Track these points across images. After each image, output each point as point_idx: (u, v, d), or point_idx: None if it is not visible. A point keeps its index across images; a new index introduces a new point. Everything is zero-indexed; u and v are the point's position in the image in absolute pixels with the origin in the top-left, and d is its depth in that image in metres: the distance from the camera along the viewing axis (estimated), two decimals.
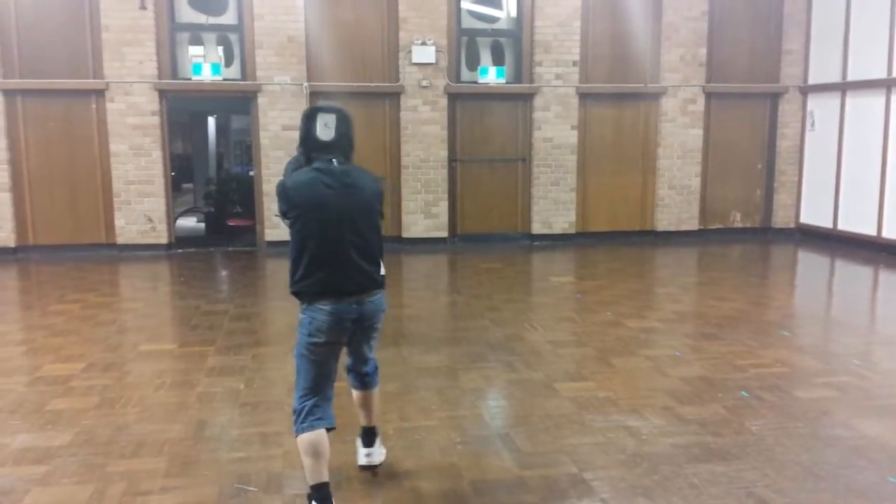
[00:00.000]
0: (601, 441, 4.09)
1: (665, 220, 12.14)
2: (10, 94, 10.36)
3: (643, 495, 3.45)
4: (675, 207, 12.15)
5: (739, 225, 12.52)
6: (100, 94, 10.47)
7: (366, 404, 3.72)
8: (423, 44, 11.12)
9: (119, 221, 10.73)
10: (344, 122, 3.38)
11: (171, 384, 5.10)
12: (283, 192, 3.34)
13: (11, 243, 10.44)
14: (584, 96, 11.71)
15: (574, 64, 11.59)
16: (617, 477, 3.65)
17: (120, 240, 10.75)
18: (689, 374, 5.29)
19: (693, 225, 12.22)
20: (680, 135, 12.02)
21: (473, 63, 11.70)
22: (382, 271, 3.40)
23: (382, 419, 4.35)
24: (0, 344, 6.18)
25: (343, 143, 3.37)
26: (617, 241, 11.78)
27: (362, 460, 3.77)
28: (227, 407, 4.69)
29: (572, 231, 11.89)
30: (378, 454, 3.77)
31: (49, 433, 4.23)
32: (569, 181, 11.80)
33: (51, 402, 4.73)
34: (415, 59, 11.14)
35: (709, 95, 12.02)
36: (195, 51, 10.95)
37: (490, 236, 11.79)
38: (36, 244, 10.60)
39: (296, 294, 3.34)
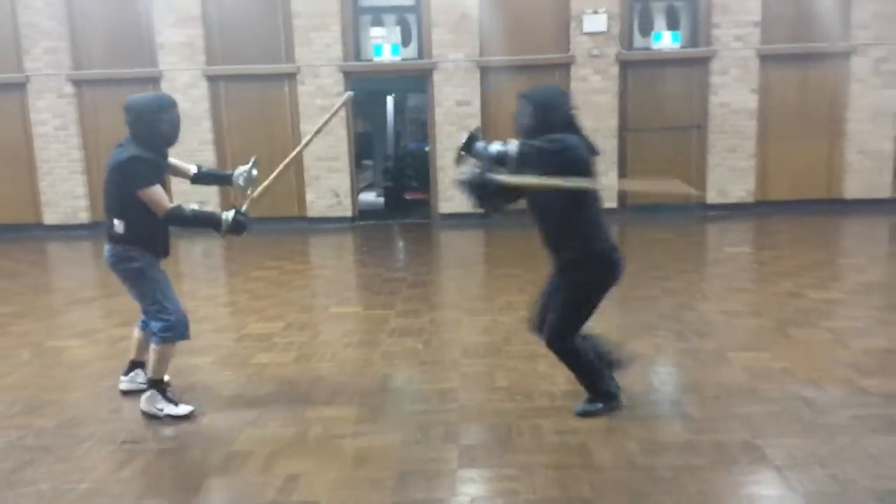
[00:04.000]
0: (775, 410, 4.04)
1: (854, 188, 11.36)
2: (213, 79, 11.43)
3: (818, 464, 3.41)
4: (866, 174, 11.33)
5: None
6: (291, 77, 11.29)
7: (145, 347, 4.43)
8: (595, 12, 11.03)
9: (309, 196, 11.58)
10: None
11: (358, 343, 5.57)
12: None
13: None
14: (764, 58, 11.16)
15: (755, 24, 11.04)
16: (791, 445, 3.62)
17: (310, 213, 11.61)
18: (873, 346, 5.05)
19: (885, 192, 11.34)
20: (871, 96, 11.15)
21: (646, 29, 11.45)
22: (117, 227, 4.13)
23: (550, 381, 4.55)
24: (212, 305, 6.99)
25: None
26: (799, 210, 11.17)
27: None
28: (408, 364, 5.07)
29: (750, 200, 11.42)
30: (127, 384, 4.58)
31: (255, 383, 4.79)
32: (747, 148, 11.32)
33: (256, 356, 5.31)
34: (586, 29, 11.08)
35: None
36: (376, 32, 11.52)
37: (661, 206, 11.56)
38: None
39: None
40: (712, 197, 11.48)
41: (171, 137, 4.28)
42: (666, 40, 11.32)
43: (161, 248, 4.32)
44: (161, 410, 4.20)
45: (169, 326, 4.19)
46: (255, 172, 4.64)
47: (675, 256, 8.47)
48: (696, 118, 11.45)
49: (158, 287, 4.21)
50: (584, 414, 4.04)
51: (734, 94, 11.23)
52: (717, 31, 11.14)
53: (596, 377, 4.08)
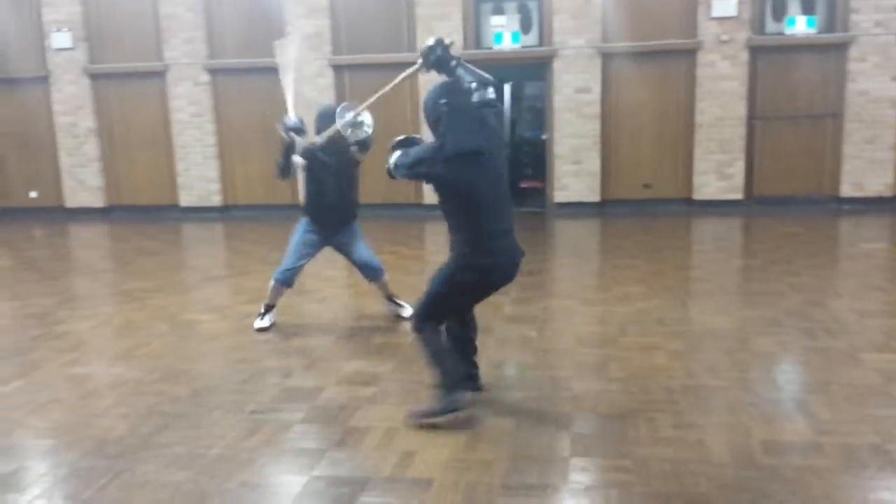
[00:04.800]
0: None
1: None
2: (339, 69, 11.77)
3: None
4: None
5: None
6: (410, 66, 11.45)
7: None
8: None
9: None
10: None
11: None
12: None
13: None
14: None
15: None
16: None
17: (426, 200, 11.79)
18: None
19: None
20: None
21: (780, 13, 10.92)
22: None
23: (667, 375, 4.47)
24: (334, 286, 7.25)
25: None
26: None
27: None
28: (521, 351, 5.09)
29: (889, 194, 10.74)
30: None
31: (375, 361, 4.93)
32: (887, 138, 10.63)
33: (373, 337, 5.48)
34: (714, 14, 10.70)
35: None
36: (497, 20, 11.53)
37: (791, 199, 11.05)
38: None
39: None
40: (847, 190, 10.86)
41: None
42: (800, 25, 10.76)
43: (313, 214, 5.62)
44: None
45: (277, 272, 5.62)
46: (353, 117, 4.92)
47: (805, 251, 8.08)
48: (832, 107, 10.84)
49: (291, 242, 5.64)
50: (419, 416, 3.87)
51: (873, 81, 10.56)
52: (855, 16, 10.49)
53: (446, 378, 3.86)
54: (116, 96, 12.63)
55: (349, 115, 4.78)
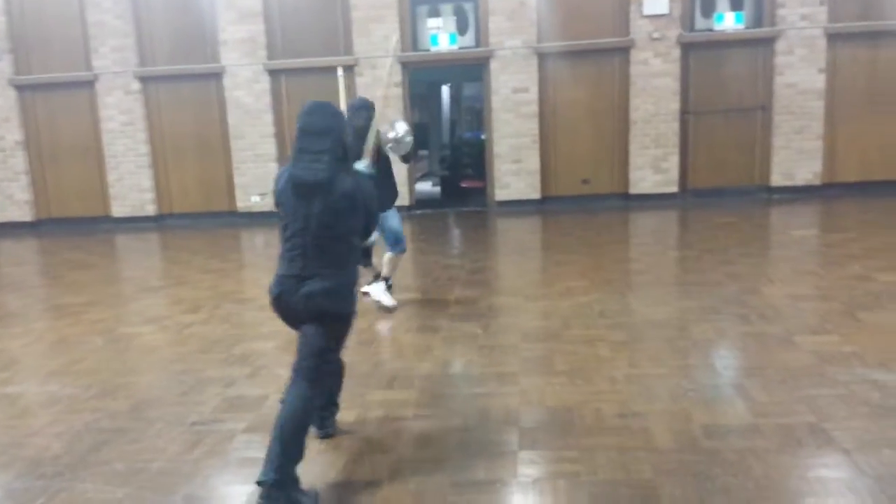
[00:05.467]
0: (843, 393, 3.94)
1: None
2: (275, 73, 11.63)
3: (888, 447, 3.32)
4: None
5: None
6: (349, 69, 11.41)
7: None
8: None
9: None
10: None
11: (418, 328, 5.62)
12: None
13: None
14: (833, 37, 10.81)
15: (821, 3, 10.70)
16: (860, 428, 3.53)
17: None
18: None
19: None
20: None
21: (709, 9, 11.20)
22: None
23: (610, 365, 4.54)
24: None
25: None
26: (869, 193, 10.82)
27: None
28: (467, 349, 5.10)
29: (817, 182, 11.10)
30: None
31: None
32: (814, 129, 11.00)
33: None
34: (646, 12, 10.91)
35: None
36: (433, 22, 11.54)
37: (724, 190, 11.34)
38: None
39: None
40: (777, 180, 11.19)
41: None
42: (729, 21, 11.06)
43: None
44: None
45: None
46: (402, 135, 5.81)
47: (738, 240, 8.30)
48: (761, 100, 11.16)
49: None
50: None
51: (800, 74, 10.91)
52: (782, 10, 10.82)
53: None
54: (44, 107, 12.23)
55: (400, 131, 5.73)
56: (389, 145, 5.76)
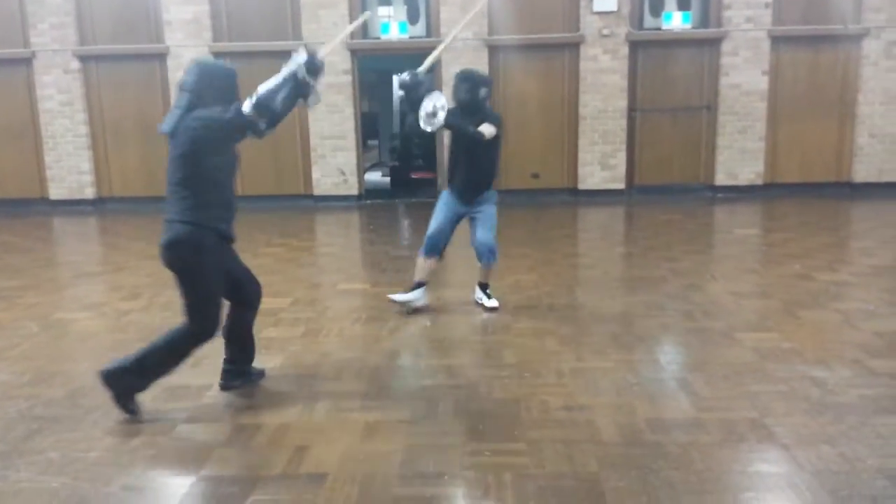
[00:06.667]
0: (784, 390, 4.03)
1: (864, 171, 11.31)
2: (220, 56, 11.32)
3: (826, 443, 3.40)
4: (877, 157, 11.27)
5: None
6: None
7: None
8: None
9: (315, 174, 11.56)
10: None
11: (366, 319, 5.57)
12: None
13: None
14: (776, 39, 11.06)
15: (766, 6, 10.94)
16: (799, 424, 3.61)
17: (316, 191, 11.59)
18: (884, 328, 5.03)
19: (895, 176, 11.25)
20: (883, 79, 11.07)
21: (657, 8, 11.35)
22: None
23: (558, 358, 4.56)
24: None
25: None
26: (809, 193, 11.13)
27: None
28: (416, 341, 5.07)
29: (759, 182, 11.37)
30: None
31: (264, 356, 4.76)
32: (757, 129, 11.25)
33: (264, 331, 5.29)
34: (596, 8, 10.99)
35: None
36: (384, 11, 11.42)
37: (670, 188, 11.53)
38: (244, 195, 11.62)
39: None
40: (721, 179, 11.43)
41: None
42: (676, 20, 11.22)
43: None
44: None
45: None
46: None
47: (683, 238, 8.45)
48: (707, 99, 11.37)
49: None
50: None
51: (745, 75, 11.15)
52: (728, 11, 11.03)
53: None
54: None
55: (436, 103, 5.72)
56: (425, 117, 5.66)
